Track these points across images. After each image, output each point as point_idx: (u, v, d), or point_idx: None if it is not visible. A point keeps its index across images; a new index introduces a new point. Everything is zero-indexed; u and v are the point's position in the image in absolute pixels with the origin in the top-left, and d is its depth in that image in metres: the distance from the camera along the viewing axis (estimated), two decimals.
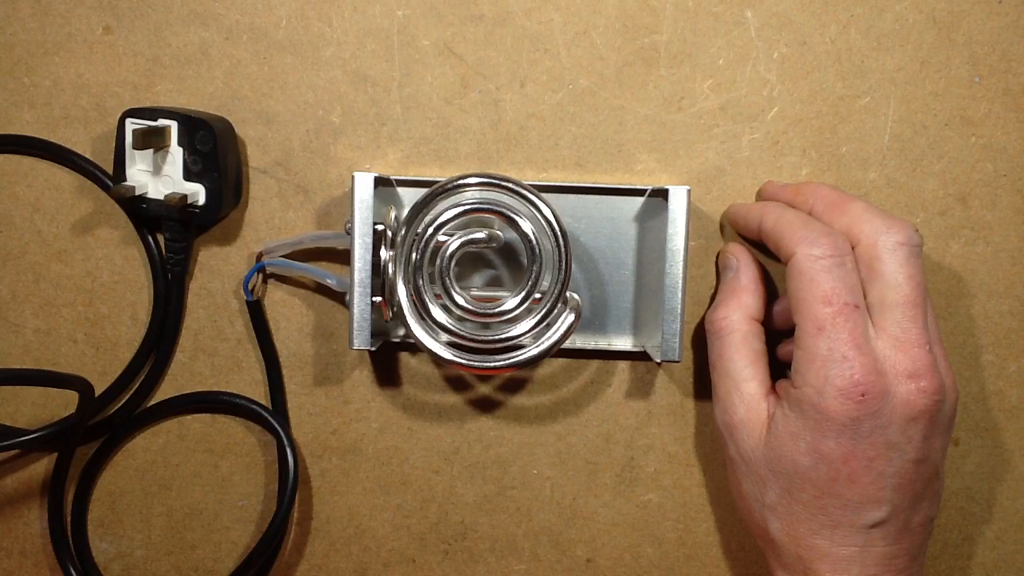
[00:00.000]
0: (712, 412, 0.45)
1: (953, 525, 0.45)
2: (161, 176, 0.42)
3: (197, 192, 0.42)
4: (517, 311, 0.40)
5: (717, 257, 0.44)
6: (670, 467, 0.45)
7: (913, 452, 0.36)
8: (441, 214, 0.39)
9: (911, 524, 0.37)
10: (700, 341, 0.45)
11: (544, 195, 0.39)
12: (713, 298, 0.44)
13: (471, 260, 0.44)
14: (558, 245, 0.39)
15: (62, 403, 0.46)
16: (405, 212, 0.41)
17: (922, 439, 0.36)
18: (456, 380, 0.45)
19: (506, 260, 0.44)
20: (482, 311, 0.40)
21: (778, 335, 0.43)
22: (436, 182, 0.39)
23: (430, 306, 0.40)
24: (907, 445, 0.36)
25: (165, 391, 0.46)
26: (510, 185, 0.39)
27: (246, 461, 0.46)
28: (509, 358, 0.40)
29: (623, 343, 0.44)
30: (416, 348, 0.43)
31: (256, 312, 0.44)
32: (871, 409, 0.35)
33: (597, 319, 0.44)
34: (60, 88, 0.44)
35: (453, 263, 0.40)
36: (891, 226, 0.37)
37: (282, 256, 0.44)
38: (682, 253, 0.40)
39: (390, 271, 0.40)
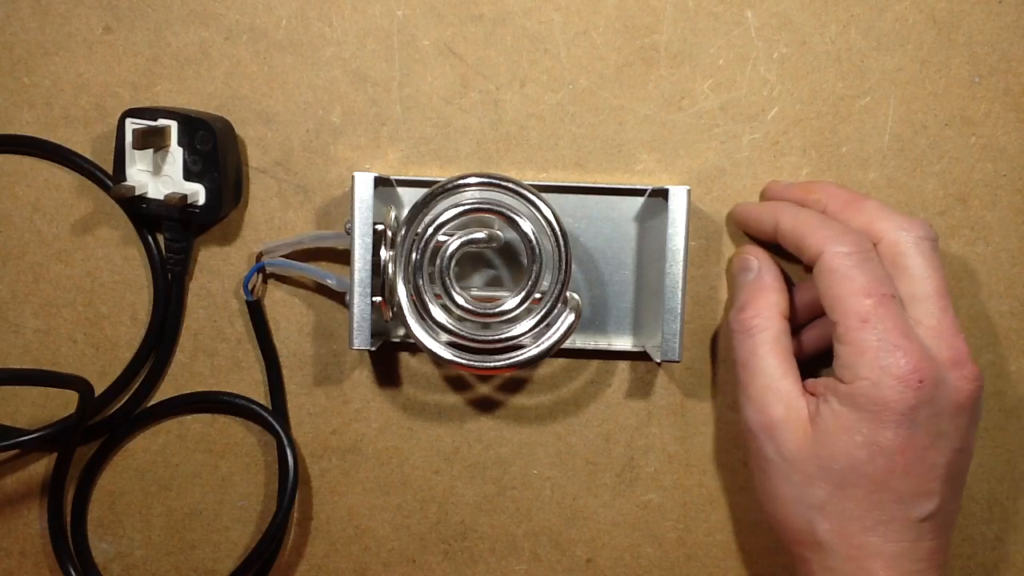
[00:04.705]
0: (710, 412, 0.45)
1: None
2: (161, 176, 0.42)
3: (197, 192, 0.42)
4: (517, 311, 0.40)
5: (731, 260, 0.44)
6: (670, 467, 0.45)
7: (958, 441, 0.36)
8: (441, 214, 0.39)
9: (951, 517, 0.37)
10: (699, 341, 0.45)
11: (544, 195, 0.39)
12: (725, 301, 0.44)
13: (471, 260, 0.44)
14: (558, 245, 0.39)
15: (62, 403, 0.46)
16: (405, 212, 0.41)
17: (966, 428, 0.37)
18: (456, 380, 0.45)
19: (506, 260, 0.44)
20: (482, 311, 0.40)
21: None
22: (436, 182, 0.39)
23: (430, 306, 0.40)
24: (954, 434, 0.36)
25: (165, 391, 0.46)
26: (510, 185, 0.39)
27: (246, 461, 0.46)
28: (509, 358, 0.40)
29: (623, 343, 0.44)
30: (416, 348, 0.43)
31: (256, 312, 0.44)
32: (928, 396, 0.35)
33: (597, 319, 0.44)
34: (60, 88, 0.44)
35: (453, 263, 0.40)
36: (911, 222, 0.38)
37: (282, 256, 0.44)
38: (682, 253, 0.40)
39: (390, 271, 0.40)
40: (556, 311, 0.40)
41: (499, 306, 0.40)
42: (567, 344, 0.41)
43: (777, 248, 0.42)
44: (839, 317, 0.37)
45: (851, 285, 0.36)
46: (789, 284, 0.43)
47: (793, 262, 0.43)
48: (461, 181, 0.39)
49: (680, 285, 0.40)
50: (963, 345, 0.36)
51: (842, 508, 0.37)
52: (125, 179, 0.42)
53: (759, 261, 0.42)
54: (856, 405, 0.36)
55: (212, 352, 0.45)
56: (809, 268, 0.39)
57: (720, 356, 0.45)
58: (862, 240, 0.37)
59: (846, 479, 0.36)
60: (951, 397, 0.36)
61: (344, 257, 0.44)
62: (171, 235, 0.43)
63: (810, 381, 0.39)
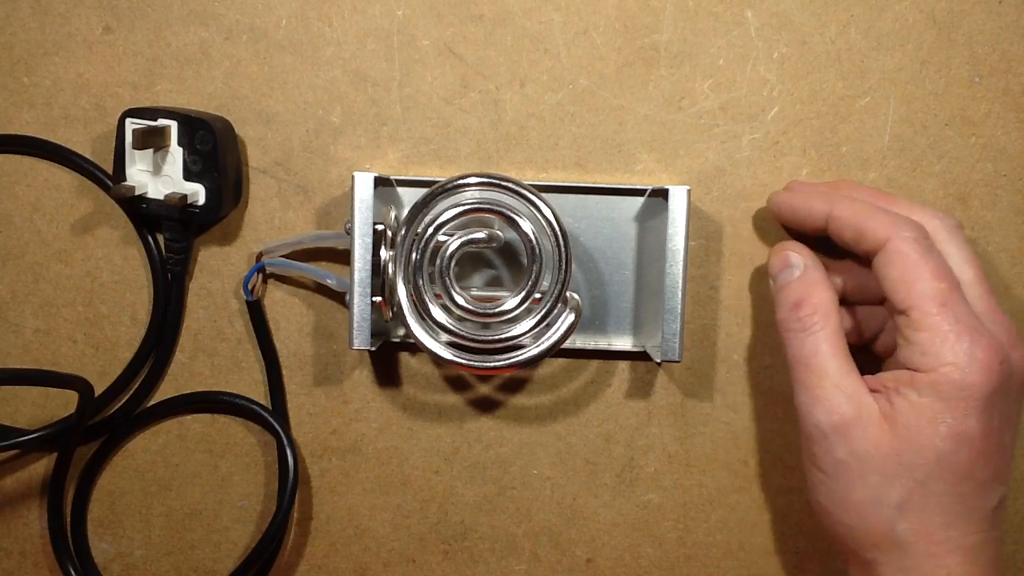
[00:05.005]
0: (710, 412, 0.45)
1: None
2: (161, 176, 0.42)
3: (197, 192, 0.42)
4: (517, 311, 0.40)
5: (769, 257, 0.42)
6: (670, 467, 0.45)
7: (1017, 424, 0.37)
8: (441, 214, 0.39)
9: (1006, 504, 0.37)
10: (699, 341, 0.45)
11: (544, 195, 0.39)
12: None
13: (471, 260, 0.44)
14: (558, 245, 0.39)
15: (62, 403, 0.46)
16: (405, 212, 0.41)
17: (1020, 409, 0.37)
18: (456, 380, 0.45)
19: (506, 260, 0.44)
20: (482, 311, 0.40)
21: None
22: (436, 182, 0.39)
23: (430, 306, 0.40)
24: (1016, 416, 0.36)
25: (165, 391, 0.46)
26: (510, 185, 0.39)
27: (246, 461, 0.46)
28: (509, 358, 0.40)
29: (623, 343, 0.44)
30: (416, 348, 0.43)
31: (256, 312, 0.44)
32: (1007, 377, 0.35)
33: (597, 319, 0.44)
34: (60, 88, 0.44)
35: (453, 263, 0.40)
36: (941, 213, 0.39)
37: (282, 256, 0.44)
38: (682, 253, 0.40)
39: (390, 271, 0.40)
40: (556, 311, 0.40)
41: (499, 306, 0.40)
42: (567, 344, 0.41)
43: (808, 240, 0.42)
44: (914, 302, 0.36)
45: (924, 269, 0.36)
46: None
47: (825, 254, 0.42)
48: (461, 181, 0.39)
49: (680, 285, 0.40)
50: (1012, 326, 0.37)
51: (924, 504, 0.35)
52: (125, 179, 0.42)
53: (803, 257, 0.40)
54: (940, 394, 0.35)
55: (212, 352, 0.45)
56: (866, 257, 0.38)
57: (720, 356, 0.45)
58: (922, 227, 0.37)
59: (931, 473, 0.35)
60: (1018, 379, 0.36)
61: (344, 257, 0.44)
62: (171, 235, 0.43)
63: (869, 377, 0.38)
